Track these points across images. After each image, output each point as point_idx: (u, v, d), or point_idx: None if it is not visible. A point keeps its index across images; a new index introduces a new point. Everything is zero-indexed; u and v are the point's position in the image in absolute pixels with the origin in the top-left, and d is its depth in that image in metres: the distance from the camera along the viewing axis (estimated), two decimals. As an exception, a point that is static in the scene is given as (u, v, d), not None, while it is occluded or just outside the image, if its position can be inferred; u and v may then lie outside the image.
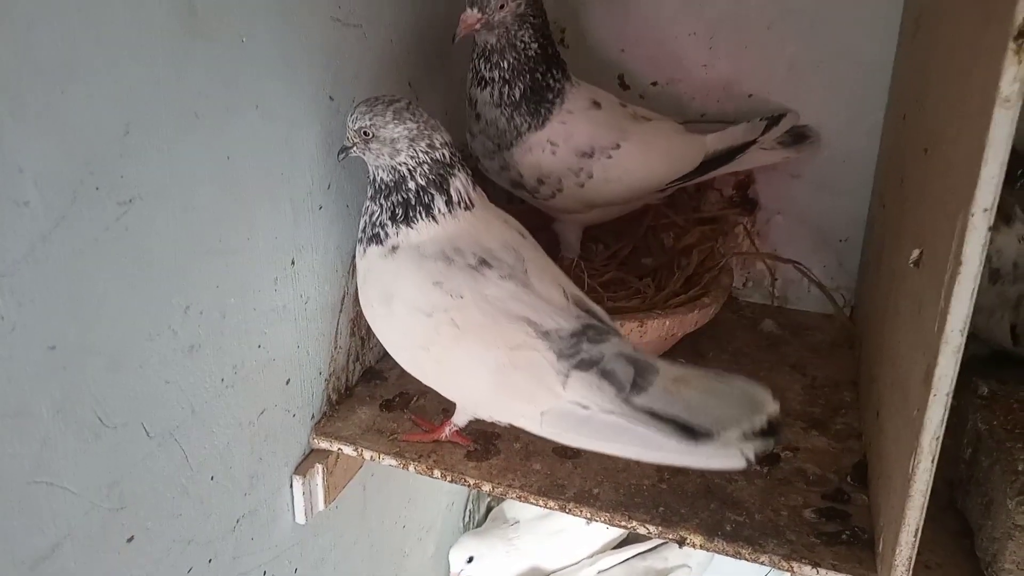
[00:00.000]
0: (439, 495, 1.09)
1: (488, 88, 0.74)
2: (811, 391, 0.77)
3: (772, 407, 0.51)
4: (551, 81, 0.75)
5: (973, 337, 0.44)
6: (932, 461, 0.46)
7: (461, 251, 0.58)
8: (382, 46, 0.71)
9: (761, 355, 0.83)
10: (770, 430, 0.51)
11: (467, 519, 1.20)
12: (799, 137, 0.84)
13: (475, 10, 0.70)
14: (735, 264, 0.90)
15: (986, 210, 0.40)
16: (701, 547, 0.58)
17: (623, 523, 0.60)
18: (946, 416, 0.45)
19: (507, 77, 0.74)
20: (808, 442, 0.68)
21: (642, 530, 0.60)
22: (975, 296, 0.42)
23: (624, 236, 0.90)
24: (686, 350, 0.81)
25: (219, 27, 0.51)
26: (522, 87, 0.74)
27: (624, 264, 0.88)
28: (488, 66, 0.74)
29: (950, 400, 0.44)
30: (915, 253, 0.52)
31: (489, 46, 0.73)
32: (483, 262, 0.58)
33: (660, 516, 0.60)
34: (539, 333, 0.55)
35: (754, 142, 0.81)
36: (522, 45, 0.73)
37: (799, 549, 0.56)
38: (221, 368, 0.56)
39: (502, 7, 0.70)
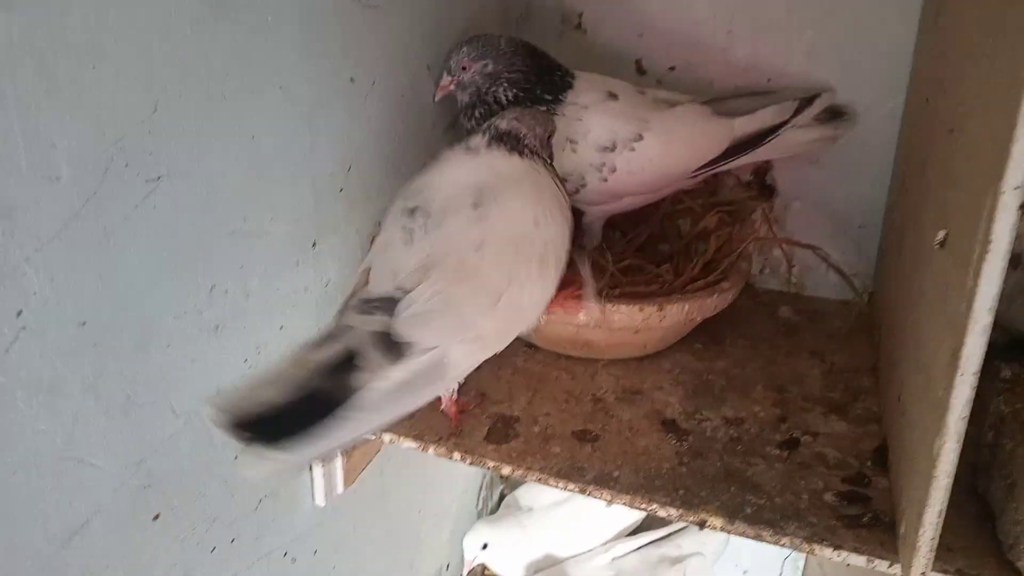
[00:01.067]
0: (454, 481, 1.10)
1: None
2: (829, 376, 0.76)
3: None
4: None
5: (993, 324, 0.44)
6: (957, 442, 0.46)
7: (415, 194, 0.61)
8: (402, 28, 0.71)
9: (779, 341, 0.83)
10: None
11: (480, 506, 1.21)
12: (835, 114, 0.83)
13: (447, 73, 0.75)
14: (752, 250, 0.89)
15: (1017, 188, 0.40)
16: (722, 529, 0.58)
17: (643, 505, 0.60)
18: (972, 397, 0.45)
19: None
20: (828, 427, 0.68)
21: (662, 512, 0.60)
22: (1004, 275, 0.42)
23: (640, 223, 0.90)
24: (704, 335, 0.81)
25: (244, 7, 0.51)
26: None
27: (641, 251, 0.87)
28: (467, 119, 0.76)
29: (977, 380, 0.44)
30: (941, 234, 0.51)
31: (464, 103, 0.76)
32: (416, 210, 0.60)
33: (680, 498, 0.60)
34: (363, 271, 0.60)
35: (785, 124, 0.78)
36: (492, 99, 0.75)
37: (820, 532, 0.56)
38: (245, 348, 0.57)
39: (464, 68, 0.74)
